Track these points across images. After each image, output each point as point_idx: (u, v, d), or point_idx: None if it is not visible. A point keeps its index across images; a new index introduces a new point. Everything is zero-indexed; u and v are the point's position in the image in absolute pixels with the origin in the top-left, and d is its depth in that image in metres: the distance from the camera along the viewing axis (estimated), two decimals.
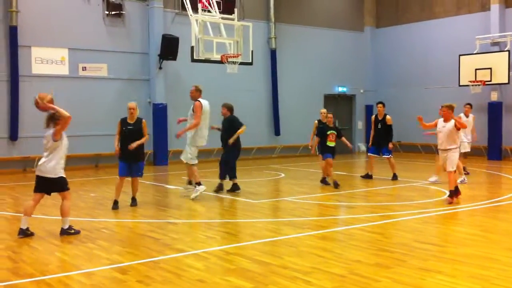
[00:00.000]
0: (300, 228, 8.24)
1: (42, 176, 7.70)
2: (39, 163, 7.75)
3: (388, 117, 13.94)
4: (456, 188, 10.36)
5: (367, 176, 14.02)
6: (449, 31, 21.68)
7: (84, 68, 17.49)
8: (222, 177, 11.88)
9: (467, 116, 14.62)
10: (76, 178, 14.57)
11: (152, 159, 18.54)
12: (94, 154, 17.31)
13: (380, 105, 14.13)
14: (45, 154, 7.68)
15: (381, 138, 13.90)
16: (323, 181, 13.02)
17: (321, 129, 12.90)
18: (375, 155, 14.00)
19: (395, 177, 13.79)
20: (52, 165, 7.62)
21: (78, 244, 7.29)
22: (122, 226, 8.50)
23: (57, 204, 8.17)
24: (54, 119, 7.64)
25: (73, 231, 7.76)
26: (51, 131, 7.64)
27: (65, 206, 7.75)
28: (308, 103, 22.15)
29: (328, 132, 12.61)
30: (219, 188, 11.76)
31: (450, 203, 10.07)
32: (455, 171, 10.39)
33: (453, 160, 10.30)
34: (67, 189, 7.83)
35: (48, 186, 7.73)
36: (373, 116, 14.23)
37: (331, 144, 12.62)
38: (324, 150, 12.70)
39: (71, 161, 17.05)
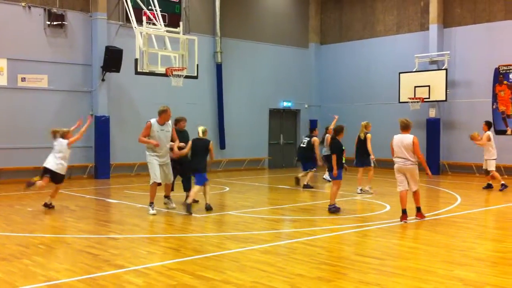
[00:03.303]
0: (243, 242, 8.22)
1: None
2: None
3: None
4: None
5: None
6: (389, 49, 22.33)
7: (23, 79, 16.98)
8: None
9: None
10: (13, 192, 14.07)
11: (93, 172, 18.16)
12: (34, 167, 16.70)
13: None
14: None
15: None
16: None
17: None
18: None
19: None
20: None
21: (12, 260, 7.01)
22: (60, 242, 8.24)
23: None
24: None
25: None
26: None
27: None
28: (253, 117, 22.33)
29: None
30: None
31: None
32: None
33: None
34: None
35: None
36: None
37: None
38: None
39: (9, 174, 16.60)
